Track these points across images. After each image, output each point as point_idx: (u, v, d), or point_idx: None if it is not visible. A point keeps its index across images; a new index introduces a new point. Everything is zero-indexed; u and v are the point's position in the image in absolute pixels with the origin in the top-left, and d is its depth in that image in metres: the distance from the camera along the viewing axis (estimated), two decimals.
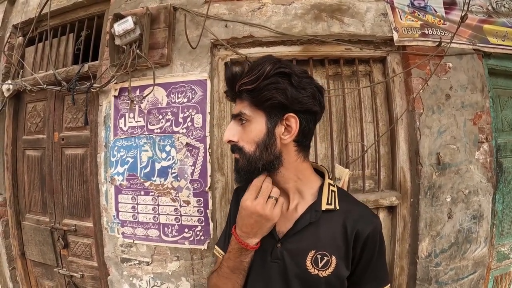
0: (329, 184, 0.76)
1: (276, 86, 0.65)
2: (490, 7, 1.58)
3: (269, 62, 0.66)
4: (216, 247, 0.91)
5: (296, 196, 0.76)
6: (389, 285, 0.75)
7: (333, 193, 0.75)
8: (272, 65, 0.65)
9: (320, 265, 0.68)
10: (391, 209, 1.43)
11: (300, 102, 0.66)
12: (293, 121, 0.68)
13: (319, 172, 0.81)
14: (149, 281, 1.44)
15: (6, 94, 1.84)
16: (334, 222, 0.71)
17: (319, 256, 0.68)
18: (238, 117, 0.72)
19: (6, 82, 1.84)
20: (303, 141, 0.72)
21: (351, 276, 0.71)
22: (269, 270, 0.71)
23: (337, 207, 0.72)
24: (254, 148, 0.69)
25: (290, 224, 0.72)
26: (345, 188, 1.31)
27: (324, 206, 0.72)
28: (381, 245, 0.72)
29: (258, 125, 0.69)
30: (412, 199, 1.40)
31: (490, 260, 1.54)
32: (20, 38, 1.96)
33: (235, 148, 0.72)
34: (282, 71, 0.66)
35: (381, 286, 0.74)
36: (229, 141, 0.73)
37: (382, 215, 1.42)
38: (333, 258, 0.68)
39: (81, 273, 1.74)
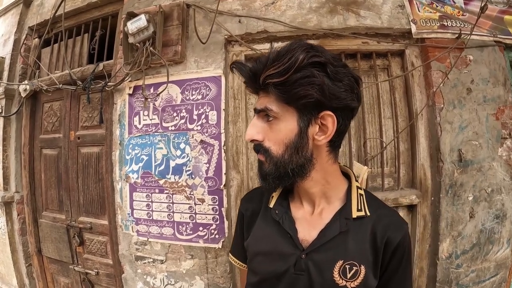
0: (357, 187, 0.70)
1: (311, 80, 0.55)
2: None
3: (300, 48, 0.56)
4: (231, 255, 0.87)
5: (322, 201, 0.69)
6: None
7: (361, 197, 0.69)
8: (305, 53, 0.55)
9: (349, 275, 0.62)
10: (411, 208, 1.38)
11: (338, 98, 0.57)
12: (330, 120, 0.59)
13: (344, 173, 0.74)
14: (163, 279, 1.44)
15: (23, 95, 1.88)
16: (363, 229, 0.65)
17: (347, 267, 0.62)
18: (263, 113, 0.62)
19: (23, 82, 1.88)
20: (336, 141, 0.64)
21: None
22: (292, 283, 0.65)
23: (368, 213, 0.66)
24: (282, 150, 0.61)
25: (315, 232, 0.66)
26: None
27: (355, 214, 0.66)
28: (409, 252, 0.68)
29: (289, 124, 0.60)
30: (432, 198, 1.35)
31: None
32: (36, 39, 2.00)
33: (260, 148, 0.64)
34: (317, 60, 0.56)
35: None
36: (253, 140, 0.64)
37: (401, 214, 1.38)
38: (362, 267, 0.63)
39: (96, 270, 1.76)
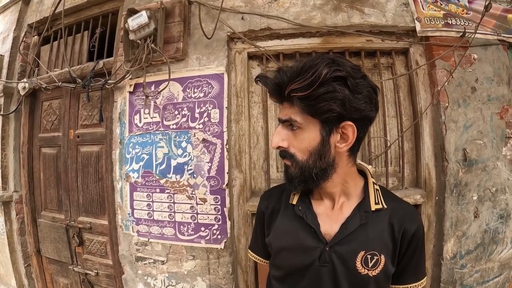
0: (373, 183, 0.75)
1: (334, 95, 0.59)
2: None
3: (323, 63, 0.59)
4: (250, 251, 0.92)
5: (341, 197, 0.74)
6: (426, 277, 0.76)
7: (377, 191, 0.74)
8: (328, 68, 0.59)
9: (370, 264, 0.67)
10: (415, 208, 1.37)
11: (358, 110, 0.61)
12: (350, 130, 0.64)
13: (359, 171, 0.79)
14: (164, 280, 1.42)
15: (22, 93, 1.85)
16: (381, 221, 0.71)
17: (369, 256, 0.68)
18: (287, 123, 0.67)
19: (22, 80, 1.86)
20: (356, 146, 0.69)
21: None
22: (317, 274, 0.70)
23: (385, 206, 0.72)
24: (307, 156, 0.66)
25: (336, 226, 0.71)
26: None
27: (373, 207, 0.71)
28: (423, 240, 0.73)
29: (312, 133, 0.65)
30: (437, 197, 1.34)
31: None
32: (35, 37, 1.98)
33: (286, 154, 0.69)
34: (339, 75, 0.59)
35: (420, 279, 0.75)
36: (278, 147, 0.69)
37: None
38: (382, 256, 0.68)
39: (96, 271, 1.74)
